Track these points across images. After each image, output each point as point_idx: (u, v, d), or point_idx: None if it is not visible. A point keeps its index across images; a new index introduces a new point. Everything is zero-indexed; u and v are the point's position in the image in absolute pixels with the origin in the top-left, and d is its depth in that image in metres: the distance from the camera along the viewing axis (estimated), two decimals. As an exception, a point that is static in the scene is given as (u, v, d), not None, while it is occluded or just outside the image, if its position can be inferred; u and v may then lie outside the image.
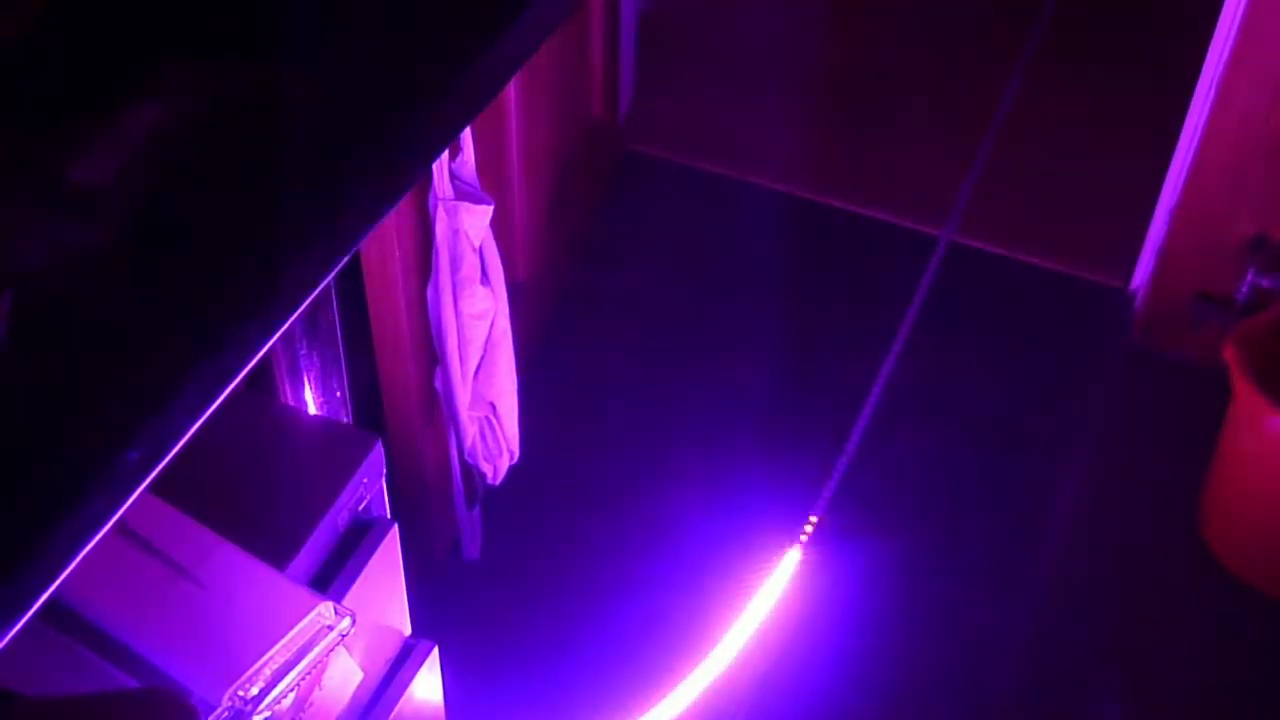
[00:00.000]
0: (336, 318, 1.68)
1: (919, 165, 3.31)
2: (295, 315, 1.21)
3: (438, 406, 2.36)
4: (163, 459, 1.09)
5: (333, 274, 1.25)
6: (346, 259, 1.24)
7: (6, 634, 1.01)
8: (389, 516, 1.63)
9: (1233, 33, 2.57)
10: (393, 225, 2.11)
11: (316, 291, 1.23)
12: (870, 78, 3.57)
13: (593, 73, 3.05)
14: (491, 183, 2.34)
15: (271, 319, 1.18)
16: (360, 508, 1.55)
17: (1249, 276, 2.68)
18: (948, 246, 3.08)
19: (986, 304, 3.03)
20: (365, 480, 1.54)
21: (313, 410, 1.71)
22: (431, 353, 2.28)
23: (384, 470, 1.59)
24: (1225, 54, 2.60)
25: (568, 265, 3.02)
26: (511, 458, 2.43)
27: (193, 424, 1.11)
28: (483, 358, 2.27)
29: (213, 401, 1.12)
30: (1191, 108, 2.80)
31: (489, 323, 2.25)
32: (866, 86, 3.54)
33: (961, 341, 2.95)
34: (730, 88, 3.55)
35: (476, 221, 2.14)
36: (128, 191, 1.19)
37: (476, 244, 2.17)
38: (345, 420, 1.77)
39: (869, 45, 3.68)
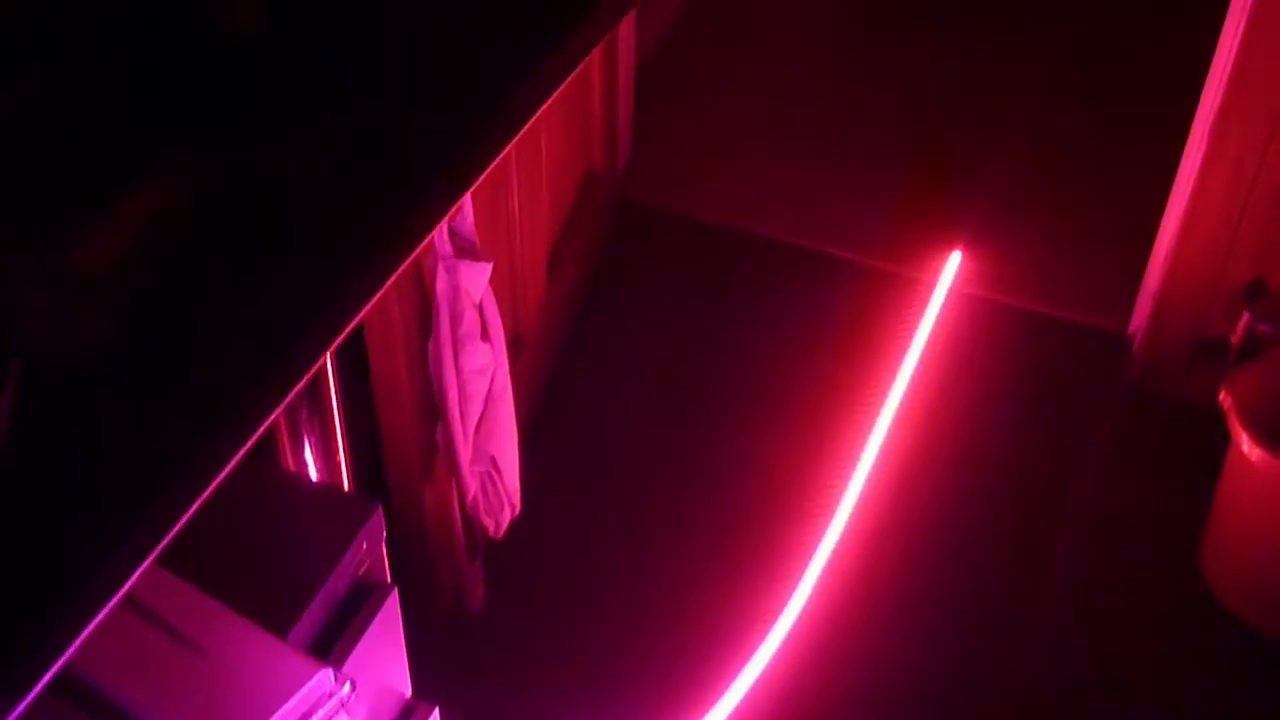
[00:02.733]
0: (336, 383, 1.70)
1: (919, 214, 3.33)
2: (300, 385, 1.23)
3: (439, 460, 2.38)
4: (169, 532, 1.10)
5: (337, 343, 1.27)
6: (351, 328, 1.26)
7: (21, 705, 1.02)
8: (389, 580, 1.65)
9: (1224, 79, 2.59)
10: (393, 283, 2.12)
11: (320, 361, 1.25)
12: (868, 127, 3.60)
13: (592, 123, 3.08)
14: (492, 236, 2.36)
15: (276, 390, 1.20)
16: (360, 572, 1.57)
17: (1245, 321, 2.70)
18: (948, 294, 3.11)
19: (988, 350, 3.05)
20: (365, 545, 1.55)
21: (314, 472, 1.73)
22: (433, 407, 2.30)
23: (384, 535, 1.61)
24: (1217, 100, 2.62)
25: (570, 317, 3.04)
26: (513, 511, 2.45)
27: (199, 497, 1.13)
28: (483, 412, 2.29)
29: (219, 474, 1.14)
30: (1185, 153, 2.82)
31: (489, 378, 2.27)
32: (864, 136, 3.57)
33: (964, 387, 2.97)
34: (729, 137, 3.58)
35: (476, 279, 2.16)
36: (132, 267, 1.21)
37: (476, 300, 2.19)
38: (346, 482, 1.79)
39: (867, 95, 3.70)
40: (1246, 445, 2.42)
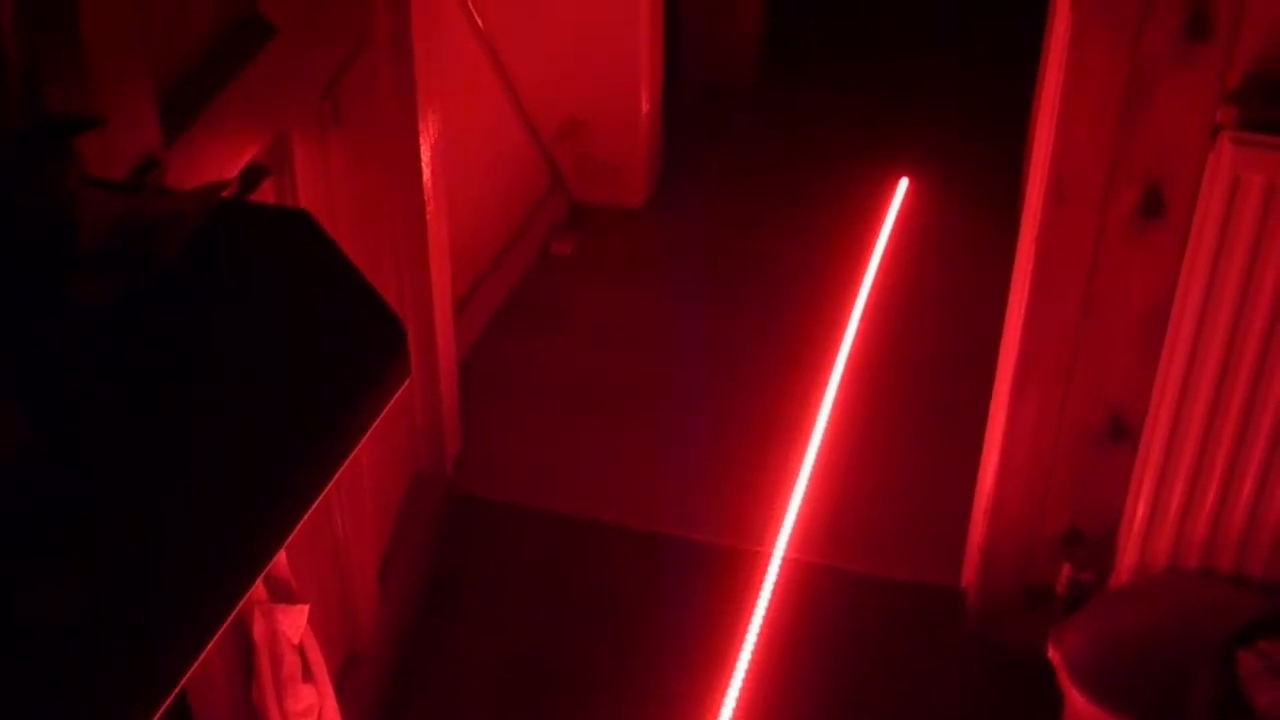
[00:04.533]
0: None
1: (746, 486, 3.37)
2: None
3: (274, 804, 2.31)
4: None
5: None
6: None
7: None
8: None
9: (1019, 332, 2.67)
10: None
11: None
12: (688, 404, 3.68)
13: (416, 427, 3.10)
14: (313, 562, 2.35)
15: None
16: None
17: (1066, 571, 2.75)
18: (780, 564, 3.14)
19: (826, 617, 3.07)
20: None
21: None
22: (263, 752, 2.25)
23: None
24: (1014, 353, 2.70)
25: (408, 624, 3.00)
26: None
27: None
28: (314, 754, 2.25)
29: None
30: (993, 406, 2.91)
31: (316, 717, 2.23)
32: (686, 412, 3.64)
33: (806, 658, 2.97)
34: (559, 425, 3.63)
35: (294, 621, 2.14)
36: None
37: (296, 642, 2.17)
38: None
39: (686, 378, 3.79)
40: (1075, 701, 2.45)
